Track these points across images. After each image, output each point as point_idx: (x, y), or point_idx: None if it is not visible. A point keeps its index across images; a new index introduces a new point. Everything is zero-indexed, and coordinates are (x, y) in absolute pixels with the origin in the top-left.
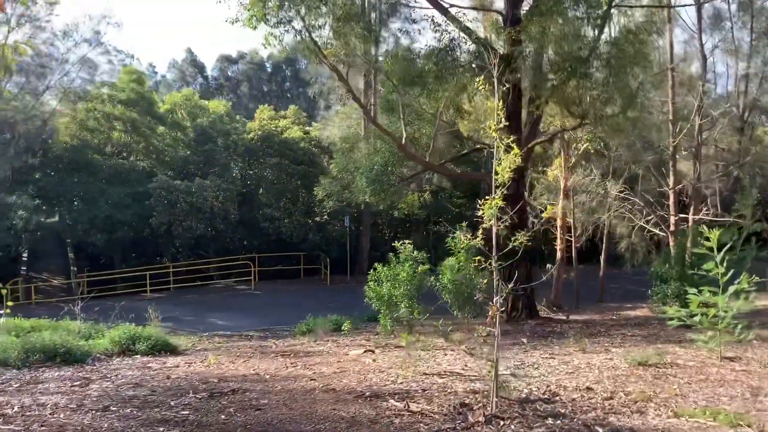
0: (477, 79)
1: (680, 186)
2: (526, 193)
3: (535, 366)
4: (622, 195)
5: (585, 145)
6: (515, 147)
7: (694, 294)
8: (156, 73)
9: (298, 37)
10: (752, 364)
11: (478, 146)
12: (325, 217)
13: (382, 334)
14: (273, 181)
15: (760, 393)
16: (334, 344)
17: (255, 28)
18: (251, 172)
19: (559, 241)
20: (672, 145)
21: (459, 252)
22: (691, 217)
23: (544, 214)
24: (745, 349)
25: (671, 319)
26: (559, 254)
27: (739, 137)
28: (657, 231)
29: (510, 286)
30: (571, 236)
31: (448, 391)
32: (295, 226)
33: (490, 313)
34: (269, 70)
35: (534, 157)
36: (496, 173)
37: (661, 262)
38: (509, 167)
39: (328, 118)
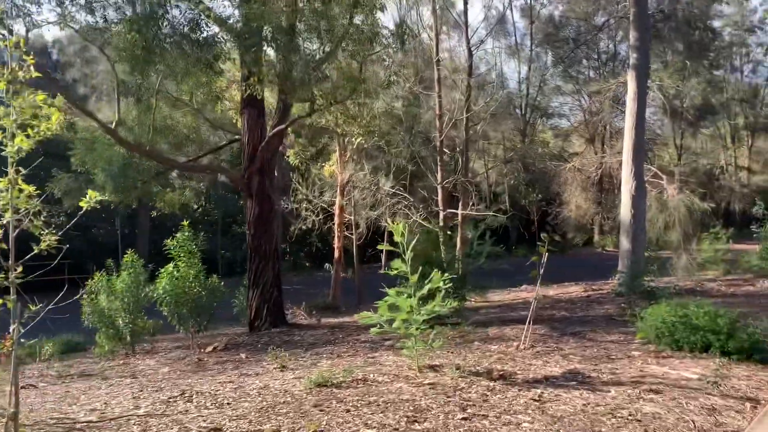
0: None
1: (449, 181)
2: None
3: (196, 396)
4: (393, 191)
5: (358, 140)
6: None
7: (390, 296)
8: None
9: None
10: (448, 373)
11: (237, 137)
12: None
13: (96, 356)
14: None
15: (419, 419)
16: None
17: None
18: None
19: (336, 239)
20: (439, 140)
21: (179, 257)
22: (460, 212)
23: (325, 170)
24: (460, 353)
25: (373, 325)
26: (336, 253)
27: (522, 137)
28: (430, 227)
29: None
30: (351, 234)
31: None
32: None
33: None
34: None
35: (316, 153)
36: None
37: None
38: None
39: None
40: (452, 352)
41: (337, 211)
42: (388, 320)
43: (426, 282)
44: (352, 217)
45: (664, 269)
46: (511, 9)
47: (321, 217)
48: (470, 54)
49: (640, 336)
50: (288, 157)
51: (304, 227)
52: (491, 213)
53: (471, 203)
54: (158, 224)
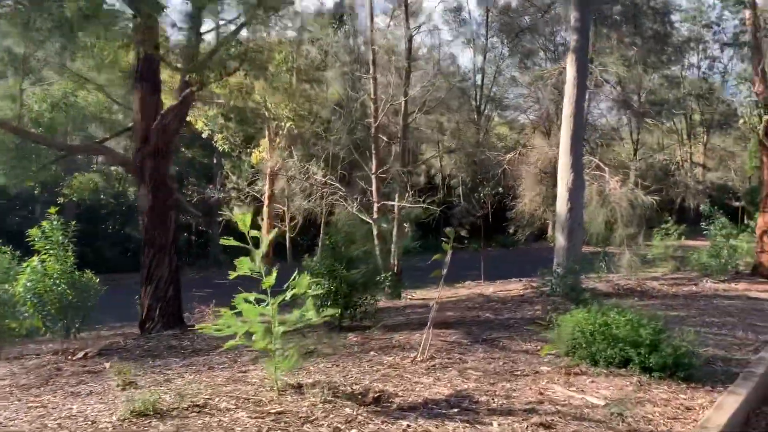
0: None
1: (384, 170)
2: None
3: None
4: (325, 180)
5: (288, 124)
6: None
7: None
8: None
9: None
10: (311, 396)
11: None
12: None
13: None
14: None
15: None
16: None
17: None
18: None
19: (264, 230)
20: (374, 126)
21: (46, 249)
22: (396, 204)
23: (253, 156)
24: (345, 367)
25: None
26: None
27: (476, 127)
28: (367, 218)
29: None
30: (283, 225)
31: None
32: None
33: None
34: None
35: (247, 139)
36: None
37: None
38: None
39: None
40: (337, 365)
41: (266, 201)
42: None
43: (290, 287)
44: (286, 208)
45: (606, 266)
46: None
47: (252, 207)
48: (410, 37)
49: (547, 350)
50: (216, 142)
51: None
52: (424, 204)
53: (408, 195)
54: (88, 211)
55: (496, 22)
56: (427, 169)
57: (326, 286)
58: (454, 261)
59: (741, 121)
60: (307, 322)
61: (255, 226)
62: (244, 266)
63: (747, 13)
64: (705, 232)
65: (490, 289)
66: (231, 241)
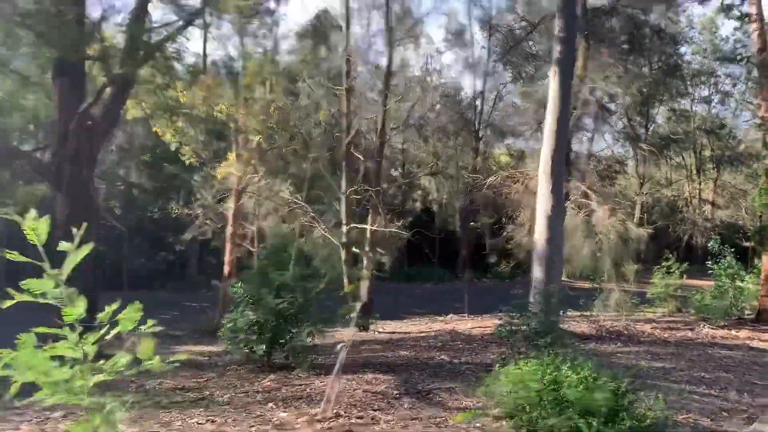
0: None
1: (353, 189)
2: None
3: None
4: (293, 198)
5: (257, 138)
6: None
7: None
8: None
9: None
10: None
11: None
12: None
13: None
14: None
15: None
16: None
17: None
18: None
19: (228, 252)
20: (345, 142)
21: None
22: (369, 227)
23: (218, 171)
24: (224, 422)
25: None
26: (227, 268)
27: (475, 153)
28: (335, 241)
29: None
30: (248, 246)
31: None
32: None
33: None
34: None
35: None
36: None
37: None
38: None
39: None
40: (215, 420)
41: (230, 219)
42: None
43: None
44: (254, 227)
45: (593, 304)
46: (470, 20)
47: (218, 225)
48: (390, 47)
49: (461, 419)
50: (183, 155)
51: (202, 237)
52: (394, 229)
53: (380, 217)
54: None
55: (496, 47)
56: (424, 195)
57: (250, 316)
58: (445, 292)
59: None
60: (145, 368)
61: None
62: (34, 288)
63: (753, 27)
64: (710, 271)
65: (467, 324)
66: (16, 256)
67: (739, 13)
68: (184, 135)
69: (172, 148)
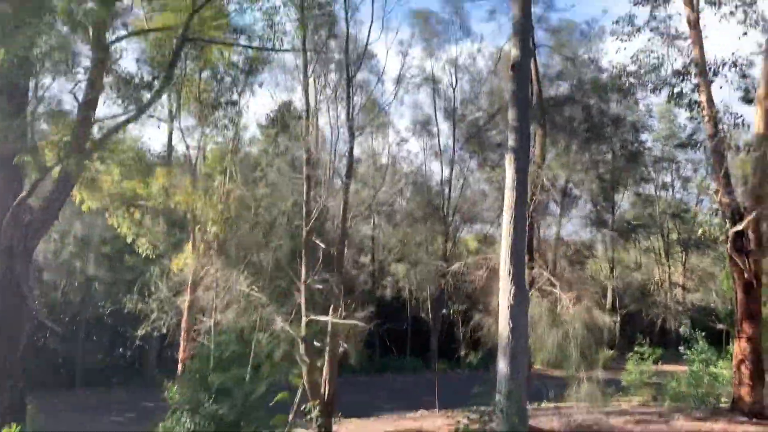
0: None
1: (314, 279)
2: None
3: None
4: (250, 290)
5: (214, 229)
6: None
7: None
8: None
9: None
10: None
11: None
12: None
13: None
14: None
15: None
16: None
17: None
18: None
19: (182, 348)
20: (305, 230)
21: None
22: (330, 319)
23: (173, 263)
24: None
25: None
26: (180, 366)
27: (444, 240)
28: (294, 334)
29: None
30: (204, 341)
31: None
32: None
33: None
34: None
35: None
36: None
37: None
38: None
39: None
40: None
41: (185, 312)
42: None
43: None
44: (211, 320)
45: (565, 395)
46: (435, 110)
47: (173, 319)
48: (351, 133)
49: None
50: (139, 247)
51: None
52: (356, 321)
53: (347, 307)
54: None
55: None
56: (394, 282)
57: (187, 425)
58: (418, 384)
59: (700, 230)
60: None
61: None
62: None
63: (704, 113)
64: (685, 356)
65: (436, 422)
66: None
67: (688, 101)
68: (140, 226)
69: (128, 240)
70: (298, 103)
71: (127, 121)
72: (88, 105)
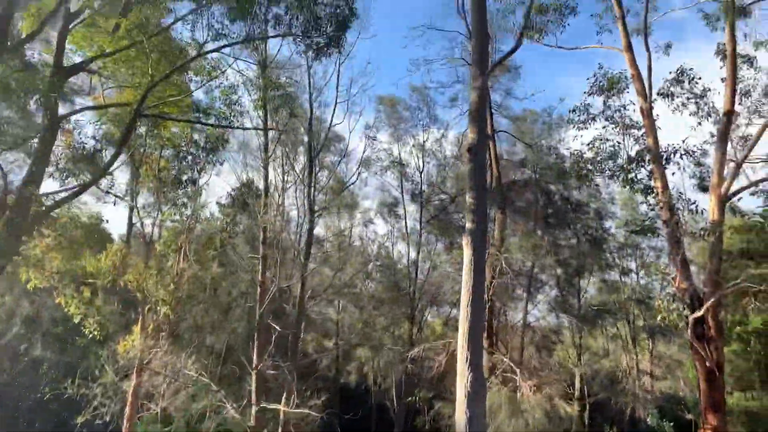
0: None
1: (268, 366)
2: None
3: None
4: (199, 375)
5: (164, 309)
6: None
7: None
8: None
9: None
10: None
11: None
12: None
13: None
14: None
15: None
16: None
17: None
18: None
19: None
20: (258, 312)
21: None
22: (282, 407)
23: (120, 346)
24: None
25: None
26: None
27: (409, 323)
28: (243, 424)
29: None
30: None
31: None
32: None
33: None
34: None
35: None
36: None
37: None
38: None
39: None
40: None
41: (129, 399)
42: None
43: None
44: (157, 407)
45: None
46: (402, 192)
47: (117, 405)
48: (312, 213)
49: None
50: (85, 328)
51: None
52: (307, 411)
53: (304, 395)
54: None
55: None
56: (359, 367)
57: None
58: None
59: (659, 317)
60: None
61: None
62: None
63: (659, 199)
64: None
65: None
66: None
67: (643, 187)
68: (90, 306)
69: (76, 320)
70: (262, 182)
71: (72, 196)
72: (31, 179)
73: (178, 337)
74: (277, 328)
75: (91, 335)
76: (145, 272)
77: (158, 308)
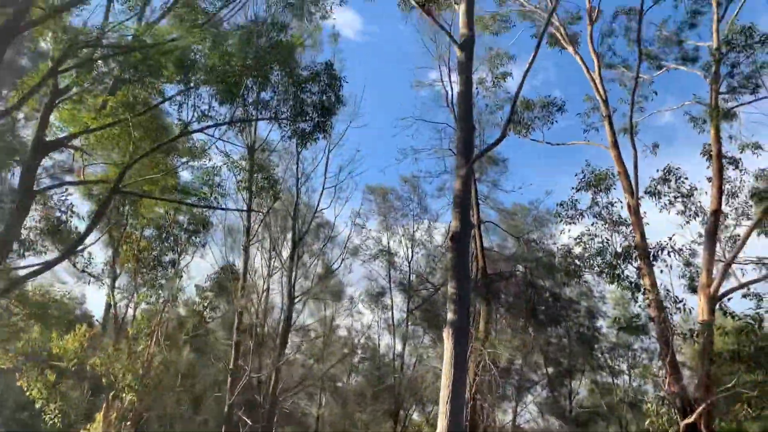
0: None
1: None
2: None
3: None
4: None
5: (130, 396)
6: None
7: None
8: None
9: None
10: None
11: None
12: None
13: None
14: None
15: None
16: None
17: None
18: None
19: None
20: (227, 404)
21: None
22: None
23: None
24: None
25: None
26: None
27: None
28: None
29: None
30: None
31: None
32: None
33: None
34: None
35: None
36: None
37: None
38: None
39: None
40: None
41: None
42: None
43: None
44: None
45: None
46: (390, 283)
47: None
48: (291, 299)
49: None
50: (46, 414)
51: None
52: None
53: None
54: None
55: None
56: None
57: None
58: None
59: (648, 420)
60: None
61: None
62: None
63: (648, 297)
64: None
65: None
66: None
67: (631, 284)
68: (53, 390)
69: (37, 405)
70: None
71: (41, 270)
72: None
73: (143, 427)
74: (248, 421)
75: (51, 422)
76: (113, 356)
77: (124, 395)
